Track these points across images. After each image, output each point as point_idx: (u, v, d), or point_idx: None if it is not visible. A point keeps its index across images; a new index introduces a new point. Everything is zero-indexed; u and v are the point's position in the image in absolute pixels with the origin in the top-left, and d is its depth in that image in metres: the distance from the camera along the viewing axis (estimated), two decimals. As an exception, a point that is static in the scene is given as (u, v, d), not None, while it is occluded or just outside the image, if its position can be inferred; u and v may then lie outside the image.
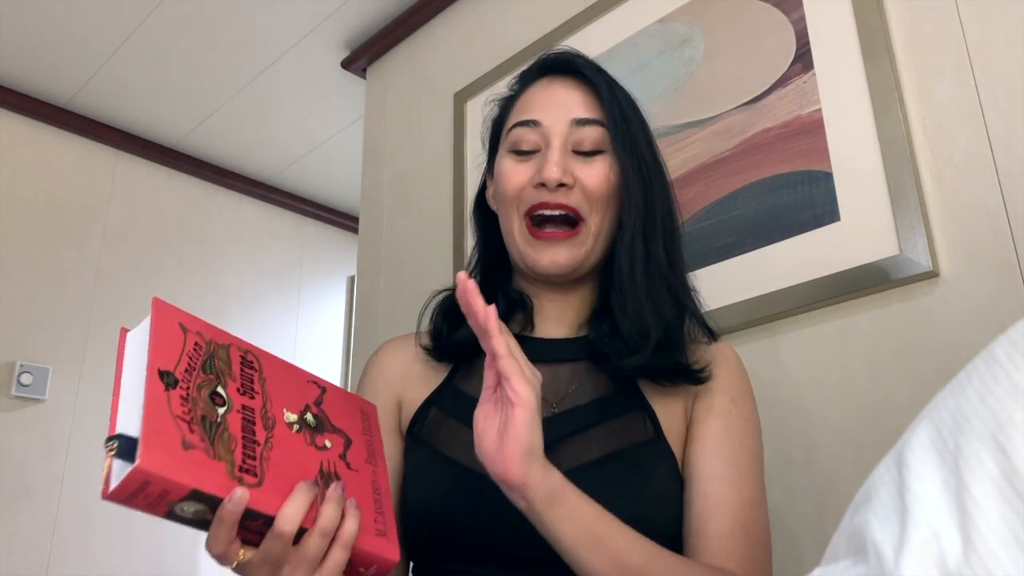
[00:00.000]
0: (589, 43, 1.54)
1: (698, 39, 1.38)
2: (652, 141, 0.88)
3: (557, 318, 0.88)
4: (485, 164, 0.96)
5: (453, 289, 0.93)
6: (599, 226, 0.83)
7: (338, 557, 0.60)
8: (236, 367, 0.62)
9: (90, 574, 2.24)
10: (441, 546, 0.78)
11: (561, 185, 0.81)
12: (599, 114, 0.84)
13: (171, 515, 0.57)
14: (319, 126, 2.60)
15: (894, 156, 1.09)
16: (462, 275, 0.66)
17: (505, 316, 0.89)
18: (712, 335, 0.87)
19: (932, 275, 1.04)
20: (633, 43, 1.47)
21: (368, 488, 0.66)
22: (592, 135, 0.83)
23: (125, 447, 0.54)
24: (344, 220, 3.13)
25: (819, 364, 1.12)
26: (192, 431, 0.56)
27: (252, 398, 0.61)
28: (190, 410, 0.57)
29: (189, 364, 0.59)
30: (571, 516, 0.65)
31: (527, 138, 0.85)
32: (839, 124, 1.16)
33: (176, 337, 0.59)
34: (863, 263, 1.09)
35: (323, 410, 0.66)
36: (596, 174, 0.82)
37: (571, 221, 0.83)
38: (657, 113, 1.39)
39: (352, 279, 2.71)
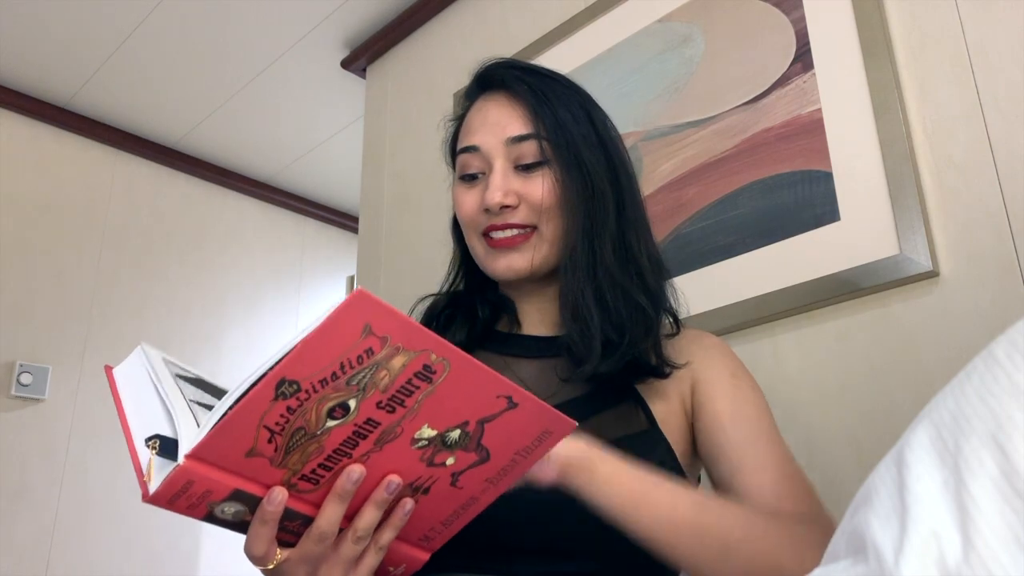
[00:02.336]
0: (589, 43, 1.54)
1: (698, 39, 1.38)
2: (606, 141, 0.88)
3: (540, 317, 0.90)
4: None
5: (437, 294, 0.96)
6: (553, 233, 0.85)
7: (370, 561, 0.61)
8: (401, 379, 0.55)
9: (90, 574, 2.23)
10: (446, 544, 0.79)
11: (506, 207, 0.84)
12: (531, 128, 0.85)
13: (210, 516, 0.56)
14: (319, 126, 2.60)
15: (894, 156, 1.09)
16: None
17: (491, 320, 0.92)
18: (677, 324, 0.88)
19: (932, 275, 1.04)
20: (633, 43, 1.47)
21: (454, 504, 0.64)
22: (530, 149, 0.85)
23: (167, 445, 0.54)
24: (344, 220, 3.13)
25: (819, 364, 1.12)
26: (271, 441, 0.54)
27: (391, 412, 0.56)
28: (287, 422, 0.53)
29: (335, 373, 0.53)
30: (609, 481, 0.67)
31: (471, 163, 0.88)
32: (839, 124, 1.16)
33: (345, 341, 0.52)
34: (863, 263, 1.09)
35: (485, 428, 0.61)
36: (537, 188, 0.84)
37: (521, 228, 0.85)
38: (657, 113, 1.39)
39: (352, 279, 2.72)
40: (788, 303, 1.15)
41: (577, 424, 0.64)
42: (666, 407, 0.82)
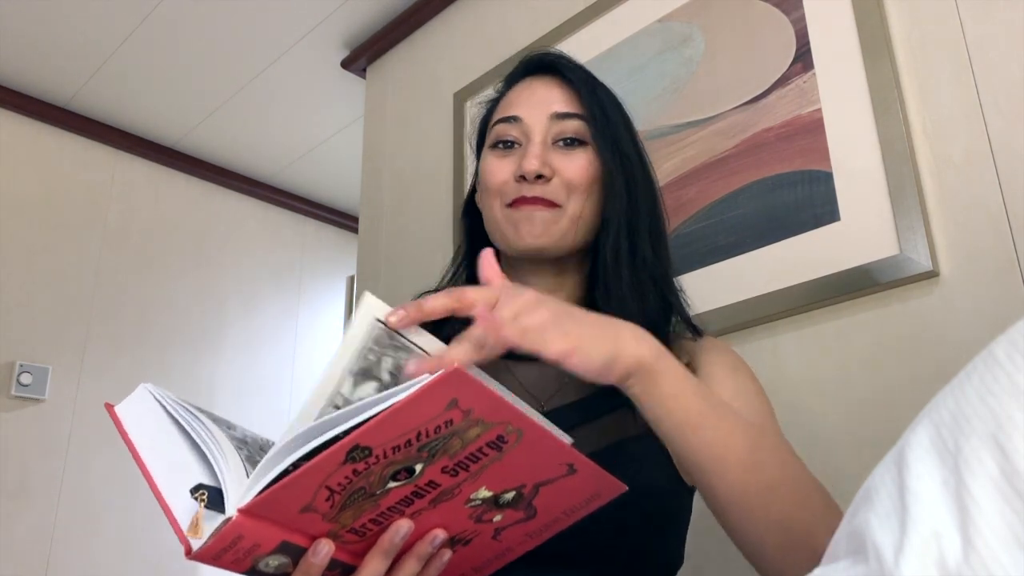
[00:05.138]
0: (589, 43, 1.54)
1: (698, 39, 1.38)
2: (637, 140, 0.89)
3: None
4: (475, 168, 0.97)
5: (435, 290, 0.94)
6: (577, 212, 0.84)
7: None
8: (471, 447, 0.54)
9: (90, 574, 2.23)
10: None
11: (540, 177, 0.83)
12: (579, 109, 0.85)
13: (253, 571, 0.55)
14: (319, 126, 2.60)
15: (894, 156, 1.09)
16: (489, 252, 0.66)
17: None
18: (696, 331, 0.88)
19: (932, 275, 1.04)
20: (633, 43, 1.47)
21: (489, 554, 0.63)
22: (573, 127, 0.85)
23: (214, 497, 0.53)
24: (344, 220, 3.13)
25: (819, 364, 1.12)
26: (328, 500, 0.52)
27: (454, 476, 0.55)
28: (350, 483, 0.52)
29: (410, 440, 0.51)
30: (672, 397, 0.63)
31: (509, 132, 0.86)
32: (839, 124, 1.16)
33: (429, 413, 0.51)
34: (863, 263, 1.09)
35: (541, 491, 0.60)
36: (576, 165, 0.83)
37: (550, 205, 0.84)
38: (657, 113, 1.39)
39: (352, 279, 2.72)
40: (788, 303, 1.15)
41: (627, 488, 0.61)
42: None
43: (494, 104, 0.93)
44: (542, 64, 0.90)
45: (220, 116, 2.54)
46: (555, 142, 0.85)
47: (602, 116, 0.85)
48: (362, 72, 2.22)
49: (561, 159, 0.84)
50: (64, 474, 2.26)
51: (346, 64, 2.23)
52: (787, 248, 1.17)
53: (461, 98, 1.81)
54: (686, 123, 1.35)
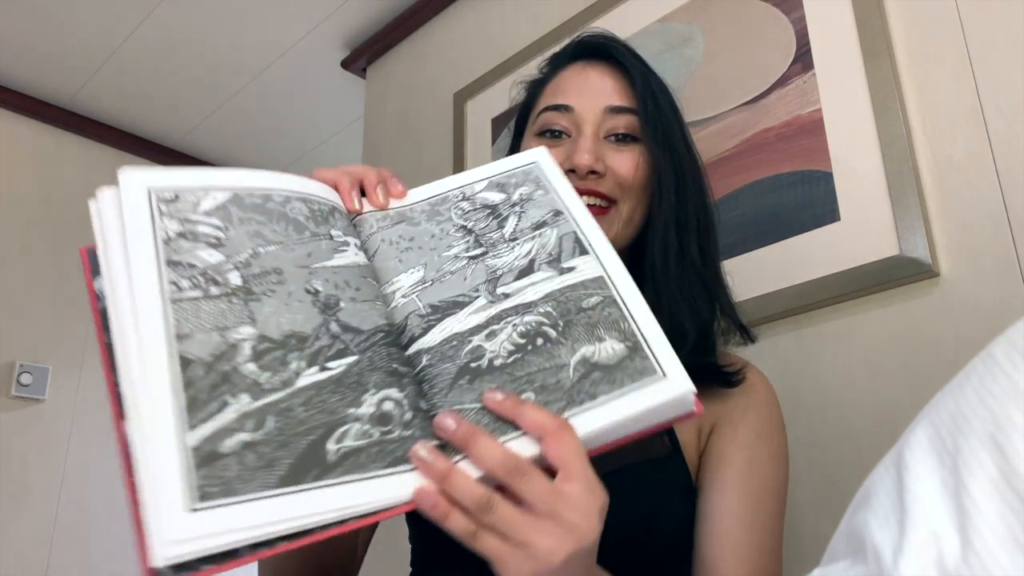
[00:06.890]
0: (589, 43, 1.54)
1: (698, 39, 1.37)
2: (686, 131, 0.87)
3: None
4: (507, 150, 0.94)
5: None
6: (630, 213, 0.81)
7: None
8: None
9: (90, 574, 2.23)
10: (425, 548, 0.78)
11: (592, 172, 0.80)
12: (633, 102, 0.82)
13: None
14: (319, 126, 2.60)
15: (894, 156, 1.09)
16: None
17: None
18: (748, 336, 0.85)
19: (932, 275, 1.04)
20: (633, 43, 1.46)
21: None
22: (625, 123, 0.82)
23: None
24: (344, 220, 3.13)
25: (819, 364, 1.12)
26: None
27: None
28: None
29: None
30: None
31: (557, 121, 0.83)
32: (839, 124, 1.16)
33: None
34: (863, 263, 1.09)
35: None
36: (628, 162, 0.81)
37: (603, 199, 0.81)
38: (657, 113, 1.39)
39: (352, 279, 2.71)
40: (788, 303, 1.15)
41: None
42: (686, 433, 0.78)
43: (538, 87, 0.90)
44: (595, 49, 0.87)
45: (220, 116, 2.54)
46: (606, 136, 0.82)
47: (655, 110, 0.82)
48: (362, 72, 2.22)
49: (613, 155, 0.81)
50: (64, 474, 2.26)
51: (346, 64, 2.23)
52: (787, 248, 1.17)
53: (461, 98, 1.81)
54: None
